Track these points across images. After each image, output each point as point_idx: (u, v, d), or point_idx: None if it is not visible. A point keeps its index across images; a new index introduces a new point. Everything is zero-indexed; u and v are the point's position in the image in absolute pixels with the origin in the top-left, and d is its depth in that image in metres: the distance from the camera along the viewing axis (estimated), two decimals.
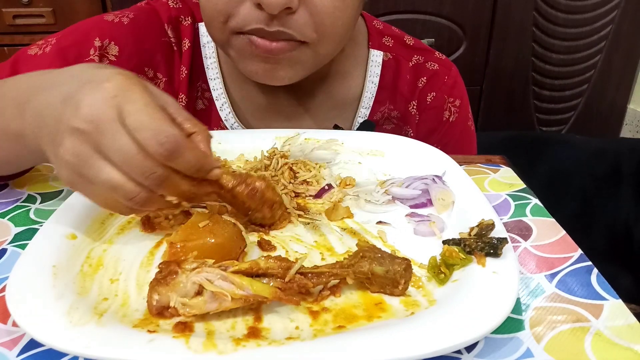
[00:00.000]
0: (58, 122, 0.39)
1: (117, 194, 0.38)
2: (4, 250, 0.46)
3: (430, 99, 0.79)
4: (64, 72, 0.45)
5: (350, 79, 0.78)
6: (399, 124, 0.79)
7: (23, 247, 0.45)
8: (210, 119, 0.75)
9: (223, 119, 0.75)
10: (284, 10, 0.55)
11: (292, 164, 0.59)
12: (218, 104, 0.75)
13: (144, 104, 0.37)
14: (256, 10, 0.56)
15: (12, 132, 0.46)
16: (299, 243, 0.47)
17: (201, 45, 0.75)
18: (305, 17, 0.57)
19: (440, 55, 0.82)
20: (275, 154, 0.60)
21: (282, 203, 0.49)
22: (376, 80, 0.78)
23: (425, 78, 0.79)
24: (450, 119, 0.80)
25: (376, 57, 0.78)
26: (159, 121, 0.37)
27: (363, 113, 0.78)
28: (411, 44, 0.81)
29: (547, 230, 0.49)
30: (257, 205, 0.46)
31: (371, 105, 0.78)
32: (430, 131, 0.79)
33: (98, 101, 0.37)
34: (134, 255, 0.44)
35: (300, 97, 0.76)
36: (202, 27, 0.74)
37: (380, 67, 0.78)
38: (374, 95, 0.78)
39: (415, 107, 0.79)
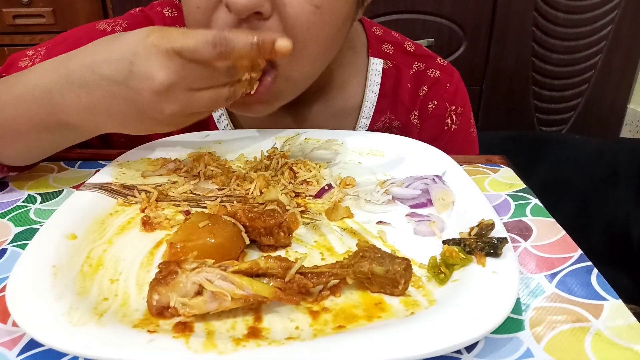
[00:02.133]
0: (141, 98, 0.47)
1: (219, 103, 0.50)
2: (4, 250, 0.46)
3: (432, 107, 0.78)
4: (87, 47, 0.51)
5: (349, 88, 0.76)
6: (400, 134, 0.78)
7: (23, 247, 0.45)
8: (210, 130, 0.75)
9: (221, 130, 0.75)
10: (255, 15, 0.53)
11: (292, 164, 0.59)
12: (215, 116, 0.74)
13: (179, 33, 0.46)
14: (227, 14, 0.54)
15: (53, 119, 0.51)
16: (299, 243, 0.47)
17: None
18: (276, 28, 0.54)
19: (442, 61, 0.80)
20: (275, 154, 0.60)
21: (279, 222, 0.45)
22: (376, 89, 0.76)
23: (426, 86, 0.77)
24: (452, 128, 0.79)
25: (376, 66, 0.76)
26: (199, 33, 0.46)
27: (363, 123, 0.77)
28: (412, 50, 0.79)
29: (547, 231, 0.49)
30: (256, 237, 0.45)
31: (371, 115, 0.76)
32: (431, 140, 0.77)
33: (159, 59, 0.45)
34: (134, 255, 0.44)
35: (299, 107, 0.75)
36: None
37: (381, 75, 0.76)
38: (375, 104, 0.76)
39: (416, 117, 0.78)
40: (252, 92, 0.55)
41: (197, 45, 0.45)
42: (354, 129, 0.77)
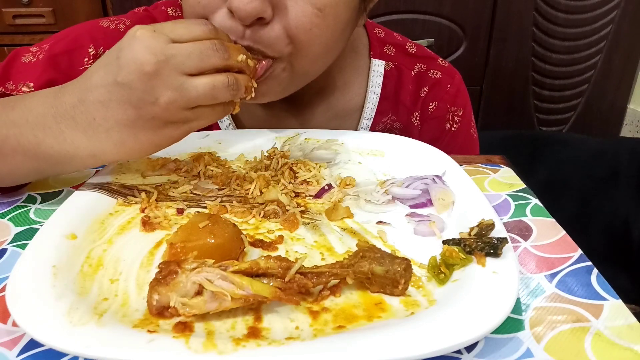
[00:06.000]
0: (132, 90, 0.45)
1: (218, 91, 0.47)
2: (4, 250, 0.46)
3: (432, 108, 0.78)
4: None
5: (351, 89, 0.77)
6: (402, 135, 0.78)
7: (23, 247, 0.45)
8: (210, 130, 0.75)
9: (222, 130, 0.75)
10: (257, 21, 0.52)
11: (292, 164, 0.59)
12: None
13: (171, 23, 0.48)
14: (230, 20, 0.53)
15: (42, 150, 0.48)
16: (299, 243, 0.47)
17: None
18: (278, 31, 0.54)
19: (444, 62, 0.80)
20: (275, 154, 0.60)
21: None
22: (378, 90, 0.76)
23: (427, 87, 0.78)
24: (453, 129, 0.79)
25: (378, 67, 0.77)
26: (189, 22, 0.48)
27: (365, 124, 0.77)
28: (413, 51, 0.79)
29: (547, 230, 0.49)
30: None
31: (373, 116, 0.77)
32: (432, 141, 0.77)
33: (147, 40, 0.45)
34: (134, 255, 0.44)
35: (300, 109, 0.75)
36: None
37: (382, 77, 0.76)
38: (376, 106, 0.77)
39: (417, 117, 0.78)
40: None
41: (184, 24, 0.47)
42: (355, 130, 0.77)
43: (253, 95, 0.53)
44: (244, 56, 0.50)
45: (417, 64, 0.78)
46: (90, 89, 0.46)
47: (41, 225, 0.46)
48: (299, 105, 0.74)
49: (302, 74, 0.61)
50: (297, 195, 0.55)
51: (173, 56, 0.45)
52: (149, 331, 0.34)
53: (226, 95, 0.48)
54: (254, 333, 0.35)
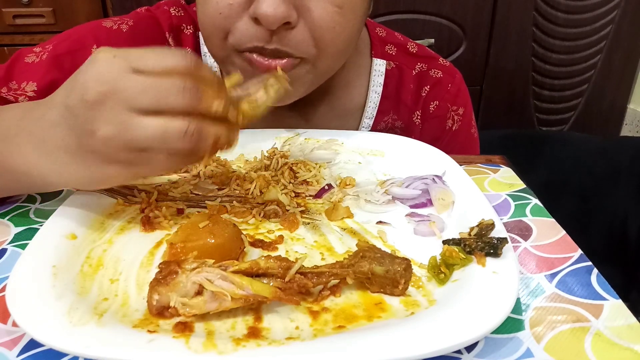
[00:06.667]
0: (75, 117, 0.40)
1: (171, 138, 0.39)
2: (4, 250, 0.46)
3: (433, 107, 0.78)
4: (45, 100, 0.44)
5: (352, 89, 0.77)
6: (403, 134, 0.78)
7: (23, 247, 0.45)
8: None
9: None
10: (283, 25, 0.53)
11: (292, 164, 0.59)
12: None
13: (142, 50, 0.40)
14: (254, 27, 0.54)
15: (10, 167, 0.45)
16: (299, 243, 0.47)
17: (202, 55, 0.74)
18: (304, 33, 0.55)
19: (444, 61, 0.81)
20: (275, 154, 0.60)
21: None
22: (379, 90, 0.77)
23: (428, 87, 0.78)
24: (453, 128, 0.79)
25: (379, 67, 0.77)
26: (163, 53, 0.40)
27: (366, 123, 0.77)
28: (414, 51, 0.80)
29: (547, 230, 0.49)
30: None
31: (374, 115, 0.77)
32: (433, 140, 0.78)
33: (101, 66, 0.39)
34: (134, 255, 0.44)
35: (302, 108, 0.75)
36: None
37: (384, 76, 0.77)
38: (377, 105, 0.77)
39: (419, 117, 0.78)
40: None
41: (158, 52, 0.40)
42: (357, 129, 0.78)
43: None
44: (222, 103, 0.41)
45: (418, 64, 0.78)
46: (50, 107, 0.43)
47: (41, 225, 0.46)
48: (302, 104, 0.74)
49: (324, 73, 0.63)
50: (297, 195, 0.55)
51: (123, 89, 0.38)
52: (149, 331, 0.34)
53: (180, 145, 0.39)
54: (254, 333, 0.35)
